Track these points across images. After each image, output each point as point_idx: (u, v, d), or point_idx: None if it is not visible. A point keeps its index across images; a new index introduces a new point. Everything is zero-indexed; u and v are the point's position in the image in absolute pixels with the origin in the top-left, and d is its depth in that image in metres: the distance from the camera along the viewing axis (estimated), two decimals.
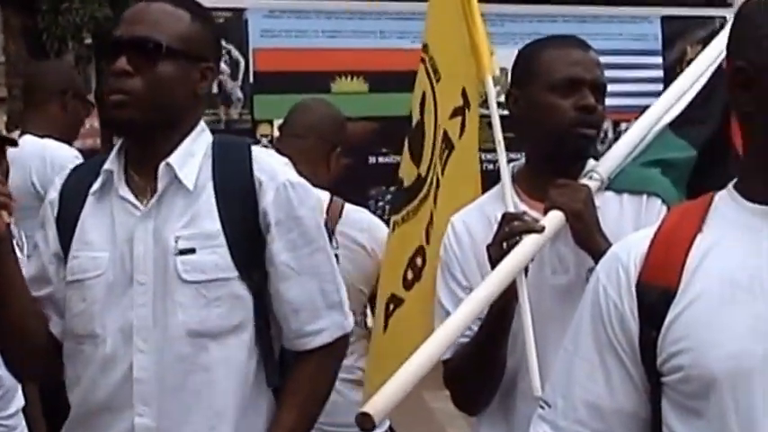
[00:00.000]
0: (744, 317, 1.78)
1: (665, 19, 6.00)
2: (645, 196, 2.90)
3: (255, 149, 2.73)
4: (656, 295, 1.85)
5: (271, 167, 2.68)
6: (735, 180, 1.92)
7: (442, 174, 3.39)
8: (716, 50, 3.14)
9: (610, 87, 5.32)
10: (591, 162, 2.97)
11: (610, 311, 1.90)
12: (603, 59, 5.67)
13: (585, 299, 1.96)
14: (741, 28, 1.88)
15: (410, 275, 3.57)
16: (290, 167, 2.74)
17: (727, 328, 1.78)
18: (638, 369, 1.88)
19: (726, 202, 1.89)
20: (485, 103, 3.14)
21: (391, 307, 3.66)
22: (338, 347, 2.75)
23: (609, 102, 5.47)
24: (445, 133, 3.38)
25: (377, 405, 2.39)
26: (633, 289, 1.88)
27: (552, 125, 2.85)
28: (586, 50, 2.95)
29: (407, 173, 3.67)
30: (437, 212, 3.37)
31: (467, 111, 3.29)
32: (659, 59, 5.86)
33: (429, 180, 3.51)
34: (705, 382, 1.79)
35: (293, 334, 2.70)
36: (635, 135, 3.03)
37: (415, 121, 3.64)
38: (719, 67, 3.11)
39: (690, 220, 1.89)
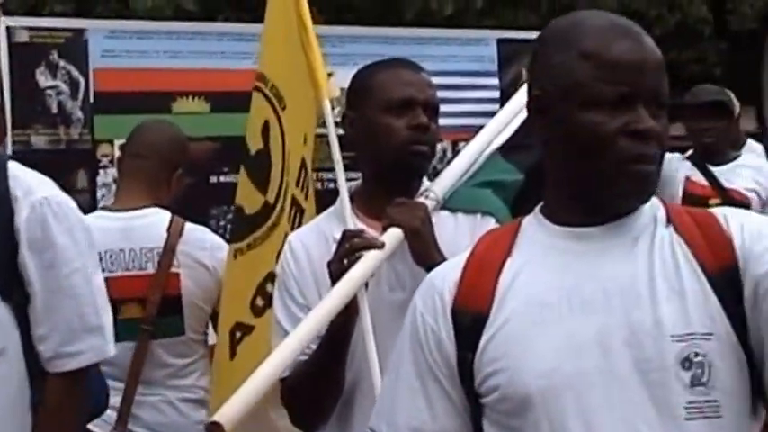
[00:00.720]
0: (553, 336, 1.85)
1: (500, 42, 6.15)
2: (479, 215, 2.99)
3: (12, 165, 2.68)
4: (470, 319, 1.91)
5: (27, 184, 2.65)
6: (541, 204, 2.00)
7: (306, 199, 3.42)
8: None
9: (449, 108, 5.45)
10: (426, 182, 3.05)
11: (428, 337, 1.96)
12: (442, 80, 5.82)
13: (405, 326, 2.03)
14: (537, 56, 1.96)
15: (260, 302, 3.59)
16: (49, 185, 2.70)
17: (538, 348, 1.85)
18: (457, 391, 1.94)
19: (533, 225, 1.97)
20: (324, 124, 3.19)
21: (238, 335, 3.67)
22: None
23: (448, 122, 5.63)
24: (303, 160, 3.41)
25: (226, 417, 2.42)
26: (449, 314, 1.94)
27: (387, 145, 2.91)
28: (418, 72, 3.03)
29: (250, 201, 3.67)
30: None
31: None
32: (496, 81, 6.01)
33: (279, 207, 3.54)
34: (520, 400, 1.85)
35: (49, 354, 2.69)
36: (468, 156, 3.12)
37: (255, 150, 3.66)
38: None
39: (500, 244, 1.97)
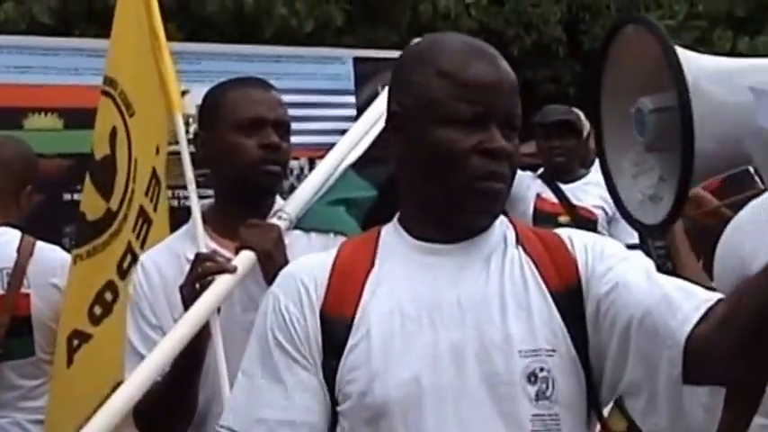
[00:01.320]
0: (413, 346, 1.89)
1: (357, 60, 6.19)
2: (332, 234, 3.00)
3: None
4: (336, 325, 1.93)
5: None
6: (398, 215, 2.03)
7: (155, 210, 3.38)
8: None
9: (306, 125, 5.44)
10: (279, 201, 3.05)
11: (295, 327, 1.96)
12: (299, 98, 5.84)
13: (261, 323, 2.02)
14: (397, 74, 2.01)
15: (98, 310, 3.54)
16: None
17: (398, 358, 1.89)
18: (323, 388, 1.95)
19: (392, 236, 2.01)
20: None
21: (76, 342, 3.61)
22: None
23: (304, 139, 5.64)
24: (154, 170, 3.38)
25: None
26: (317, 313, 1.95)
27: (238, 164, 2.91)
28: (268, 90, 3.03)
29: (92, 207, 3.62)
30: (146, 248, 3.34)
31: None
32: (352, 99, 6.04)
33: (122, 215, 3.49)
34: (377, 409, 1.88)
35: None
36: (320, 174, 3.13)
37: (101, 156, 3.61)
38: None
39: (362, 254, 1.99)
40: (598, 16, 13.24)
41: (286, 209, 2.99)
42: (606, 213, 5.67)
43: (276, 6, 10.51)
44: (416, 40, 3.42)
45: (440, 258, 1.95)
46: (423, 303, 1.91)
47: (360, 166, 3.18)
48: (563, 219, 5.68)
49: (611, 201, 5.85)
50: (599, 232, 5.41)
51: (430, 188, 1.93)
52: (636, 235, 5.72)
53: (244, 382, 2.02)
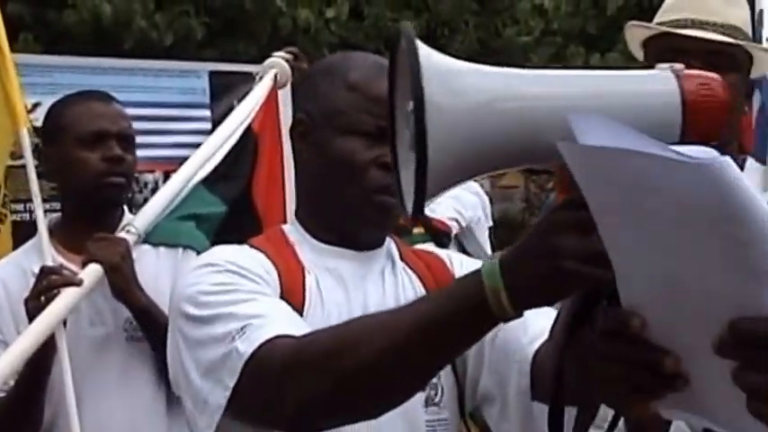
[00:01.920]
0: None
1: (213, 74, 6.19)
2: (181, 249, 3.02)
3: None
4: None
5: None
6: (296, 218, 2.03)
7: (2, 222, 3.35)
8: (245, 111, 3.32)
9: (161, 139, 5.41)
10: (128, 215, 3.05)
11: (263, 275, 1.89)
12: (154, 112, 5.81)
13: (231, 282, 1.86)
14: (305, 84, 2.07)
15: None
16: None
17: None
18: None
19: (300, 241, 1.99)
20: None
21: None
22: None
23: (159, 153, 5.61)
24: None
25: None
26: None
27: (81, 178, 2.92)
28: (110, 103, 3.04)
29: None
30: None
31: None
32: (207, 112, 6.04)
33: None
34: None
35: None
36: (170, 189, 3.14)
37: None
38: (249, 126, 3.29)
39: (285, 256, 1.94)
40: (456, 32, 13.42)
41: (135, 223, 3.00)
42: (460, 225, 5.77)
43: (135, 19, 10.43)
44: (278, 53, 3.48)
45: (347, 264, 1.98)
46: (345, 306, 1.92)
47: (210, 181, 3.20)
48: (417, 230, 5.75)
49: (464, 212, 5.97)
50: (453, 244, 5.49)
51: (329, 196, 1.96)
52: (488, 247, 5.85)
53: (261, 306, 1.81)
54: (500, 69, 1.44)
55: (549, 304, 1.47)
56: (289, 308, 1.81)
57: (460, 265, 2.03)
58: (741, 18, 2.50)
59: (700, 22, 2.47)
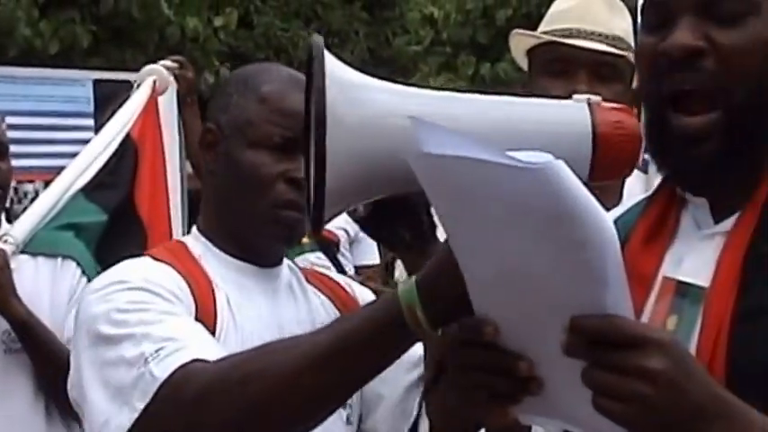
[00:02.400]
0: None
1: (97, 82, 6.11)
2: (60, 259, 2.97)
3: None
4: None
5: None
6: (200, 229, 1.99)
7: None
8: (123, 119, 3.28)
9: (43, 148, 5.34)
10: (5, 225, 2.99)
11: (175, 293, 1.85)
12: (38, 121, 5.71)
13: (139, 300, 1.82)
14: (218, 95, 2.04)
15: None
16: None
17: None
18: None
19: (205, 254, 1.95)
20: None
21: None
22: None
23: (41, 162, 5.51)
24: None
25: None
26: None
27: None
28: None
29: None
30: None
31: None
32: (91, 122, 5.95)
33: None
34: None
35: None
36: (49, 199, 3.09)
37: None
38: (128, 134, 3.25)
39: (195, 272, 1.90)
40: (347, 41, 13.45)
41: (12, 233, 2.95)
42: (348, 235, 5.77)
43: (19, 26, 10.26)
44: (162, 61, 3.45)
45: (254, 280, 1.96)
46: (270, 329, 1.89)
47: (89, 190, 3.16)
48: (306, 240, 5.74)
49: (353, 222, 5.97)
50: (342, 253, 5.48)
51: (236, 209, 1.95)
52: (377, 256, 5.85)
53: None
54: (409, 89, 1.45)
55: None
56: (203, 329, 1.78)
57: (360, 292, 2.05)
58: (624, 29, 2.52)
59: (586, 32, 2.48)
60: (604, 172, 1.41)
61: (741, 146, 1.40)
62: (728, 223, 1.43)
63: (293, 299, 1.99)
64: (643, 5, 1.46)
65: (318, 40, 1.39)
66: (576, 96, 1.44)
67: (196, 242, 1.97)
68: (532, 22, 2.73)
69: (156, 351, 1.67)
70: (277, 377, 1.50)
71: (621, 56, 2.45)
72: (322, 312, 1.98)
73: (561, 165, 1.17)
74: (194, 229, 2.01)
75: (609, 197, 1.54)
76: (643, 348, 1.20)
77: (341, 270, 4.00)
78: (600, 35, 2.48)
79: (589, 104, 1.42)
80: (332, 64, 1.39)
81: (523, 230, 1.23)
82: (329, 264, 4.16)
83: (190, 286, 1.85)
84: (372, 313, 1.49)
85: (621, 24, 2.54)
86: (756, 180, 1.43)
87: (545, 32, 2.53)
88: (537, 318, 1.27)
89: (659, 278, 1.44)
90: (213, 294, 1.88)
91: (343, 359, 1.48)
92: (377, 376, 1.52)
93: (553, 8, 2.60)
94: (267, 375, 1.51)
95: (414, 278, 1.44)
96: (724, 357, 1.35)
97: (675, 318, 1.40)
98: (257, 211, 1.92)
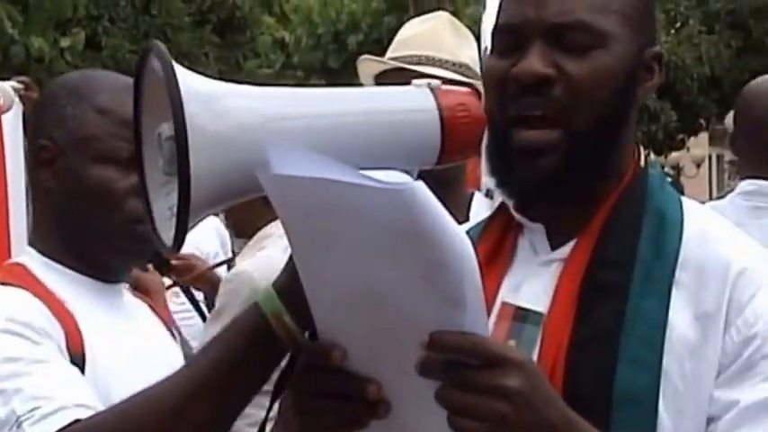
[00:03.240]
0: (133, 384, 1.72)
1: None
2: None
3: None
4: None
5: None
6: (38, 248, 1.91)
7: None
8: None
9: None
10: None
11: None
12: None
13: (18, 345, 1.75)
14: (46, 108, 1.94)
15: None
16: None
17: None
18: None
19: (46, 274, 1.87)
20: None
21: None
22: None
23: None
24: None
25: None
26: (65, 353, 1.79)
27: None
28: None
29: None
30: None
31: None
32: None
33: None
34: None
35: None
36: None
37: None
38: None
39: (47, 295, 1.83)
40: (197, 63, 13.39)
41: None
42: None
43: None
44: (7, 82, 3.38)
45: (103, 297, 1.89)
46: (129, 350, 1.85)
47: None
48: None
49: (202, 246, 5.90)
50: None
51: (81, 226, 1.87)
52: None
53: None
54: (263, 90, 1.42)
55: None
56: (75, 374, 1.72)
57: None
58: (472, 57, 2.55)
59: (433, 59, 2.50)
60: (451, 155, 1.42)
61: (578, 167, 1.43)
62: (565, 250, 1.46)
63: (137, 311, 1.96)
64: (494, 30, 1.49)
65: (160, 45, 1.35)
66: (415, 82, 1.44)
67: (34, 262, 1.89)
68: (384, 48, 2.75)
69: (31, 411, 1.61)
70: (160, 422, 1.47)
71: (469, 84, 2.48)
72: (153, 319, 1.97)
73: (419, 185, 1.17)
74: (29, 249, 1.94)
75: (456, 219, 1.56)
76: (501, 367, 1.23)
77: (195, 302, 3.98)
78: (447, 62, 2.51)
79: (431, 89, 1.42)
80: (182, 72, 1.36)
81: (380, 251, 1.23)
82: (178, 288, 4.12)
83: (51, 311, 1.77)
84: (240, 330, 1.46)
85: (469, 52, 2.57)
86: (592, 207, 1.46)
87: (393, 58, 2.54)
88: (389, 339, 1.27)
89: (498, 303, 1.46)
90: (71, 316, 1.81)
91: (222, 383, 1.45)
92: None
93: (401, 34, 2.61)
94: (148, 423, 1.48)
95: (270, 286, 1.42)
96: (561, 382, 1.37)
97: (514, 342, 1.41)
98: (110, 227, 1.86)
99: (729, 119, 3.23)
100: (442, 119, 1.40)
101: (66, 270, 1.88)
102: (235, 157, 1.34)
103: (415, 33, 2.56)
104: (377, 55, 2.65)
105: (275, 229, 3.38)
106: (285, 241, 3.83)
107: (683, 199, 1.50)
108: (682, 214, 1.47)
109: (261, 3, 14.97)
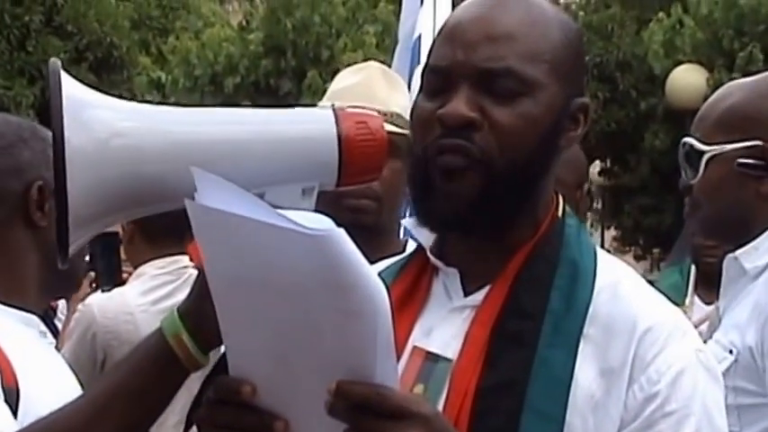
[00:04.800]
0: None
1: None
2: None
3: None
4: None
5: None
6: None
7: None
8: None
9: None
10: None
11: None
12: None
13: None
14: None
15: None
16: None
17: None
18: None
19: None
20: None
21: None
22: None
23: None
24: None
25: None
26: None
27: None
28: None
29: None
30: None
31: None
32: None
33: None
34: None
35: None
36: None
37: None
38: None
39: None
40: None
41: None
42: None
43: None
44: None
45: (34, 329, 1.92)
46: (54, 379, 1.87)
47: None
48: None
49: None
50: (59, 318, 5.36)
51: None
52: None
53: None
54: (150, 107, 1.46)
55: None
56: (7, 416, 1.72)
57: None
58: (403, 105, 2.55)
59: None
60: (352, 176, 1.44)
61: (494, 203, 1.44)
62: (478, 297, 1.48)
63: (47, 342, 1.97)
64: (423, 70, 1.51)
65: (56, 63, 1.37)
66: (321, 104, 1.48)
67: None
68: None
69: None
70: None
71: (402, 134, 2.44)
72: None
73: (338, 233, 1.19)
74: None
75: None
76: (407, 420, 1.25)
77: (57, 335, 3.95)
78: (380, 113, 2.54)
79: (333, 110, 1.45)
80: (70, 84, 1.38)
81: (296, 293, 1.23)
82: (45, 329, 4.09)
83: None
84: (143, 352, 1.48)
85: (400, 100, 2.59)
86: (507, 254, 1.48)
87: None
88: (301, 379, 1.28)
89: (409, 345, 1.47)
90: (1, 350, 1.80)
91: (126, 405, 1.47)
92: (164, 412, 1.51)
93: (335, 85, 2.61)
94: None
95: (174, 309, 1.45)
96: (466, 429, 1.39)
97: (422, 387, 1.43)
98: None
99: None
100: (339, 137, 1.43)
101: None
102: (115, 169, 1.35)
103: (347, 85, 2.57)
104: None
105: (149, 269, 3.42)
106: (149, 284, 3.78)
107: (599, 251, 1.51)
108: (595, 266, 1.47)
109: (138, 43, 14.88)
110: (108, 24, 13.84)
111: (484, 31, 1.46)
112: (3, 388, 1.75)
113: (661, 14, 13.98)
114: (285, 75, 12.75)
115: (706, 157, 2.25)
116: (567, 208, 1.53)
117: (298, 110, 1.50)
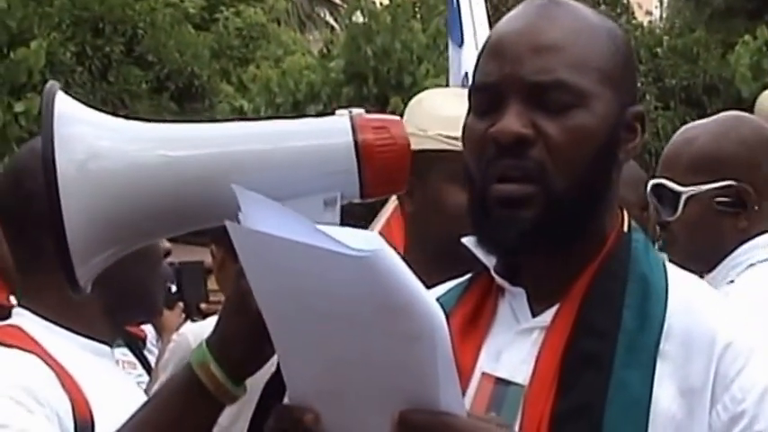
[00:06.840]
0: None
1: None
2: None
3: None
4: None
5: None
6: (28, 309, 1.87)
7: None
8: None
9: None
10: None
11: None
12: None
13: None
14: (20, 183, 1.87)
15: None
16: None
17: None
18: None
19: (35, 334, 1.83)
20: None
21: None
22: None
23: None
24: None
25: None
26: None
27: None
28: None
29: None
30: None
31: None
32: None
33: None
34: None
35: None
36: None
37: None
38: None
39: (49, 358, 1.80)
40: None
41: None
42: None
43: None
44: None
45: (101, 358, 1.89)
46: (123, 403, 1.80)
47: None
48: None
49: None
50: (148, 349, 5.34)
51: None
52: None
53: None
54: (160, 126, 1.47)
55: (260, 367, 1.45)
56: None
57: None
58: None
59: None
60: (376, 185, 1.39)
61: (557, 225, 1.40)
62: (547, 317, 1.42)
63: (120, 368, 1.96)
64: (471, 89, 1.46)
65: (53, 84, 1.39)
66: (338, 111, 1.42)
67: (31, 324, 1.85)
68: None
69: None
70: None
71: None
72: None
73: (388, 252, 1.14)
74: (21, 311, 1.89)
75: None
76: None
77: (147, 366, 3.88)
78: None
79: (350, 116, 1.40)
80: (63, 101, 1.38)
81: (352, 318, 1.19)
82: (135, 360, 4.04)
83: (57, 377, 1.77)
84: (174, 385, 1.46)
85: None
86: (574, 271, 1.43)
87: (449, 137, 2.23)
88: (363, 407, 1.24)
89: (477, 372, 1.43)
90: (75, 381, 1.79)
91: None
92: None
93: (441, 110, 2.29)
94: None
95: (204, 340, 1.43)
96: None
97: (494, 415, 1.38)
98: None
99: None
100: (357, 143, 1.37)
101: (63, 332, 1.85)
102: (108, 195, 1.33)
103: (461, 114, 2.43)
104: None
105: None
106: None
107: (669, 265, 1.45)
108: (666, 282, 1.42)
109: (219, 72, 14.99)
110: (188, 54, 13.96)
111: (530, 44, 1.41)
112: (75, 421, 1.75)
113: (747, 37, 13.82)
114: (367, 102, 12.85)
115: (684, 197, 2.44)
116: (634, 223, 1.48)
117: (311, 119, 1.44)
